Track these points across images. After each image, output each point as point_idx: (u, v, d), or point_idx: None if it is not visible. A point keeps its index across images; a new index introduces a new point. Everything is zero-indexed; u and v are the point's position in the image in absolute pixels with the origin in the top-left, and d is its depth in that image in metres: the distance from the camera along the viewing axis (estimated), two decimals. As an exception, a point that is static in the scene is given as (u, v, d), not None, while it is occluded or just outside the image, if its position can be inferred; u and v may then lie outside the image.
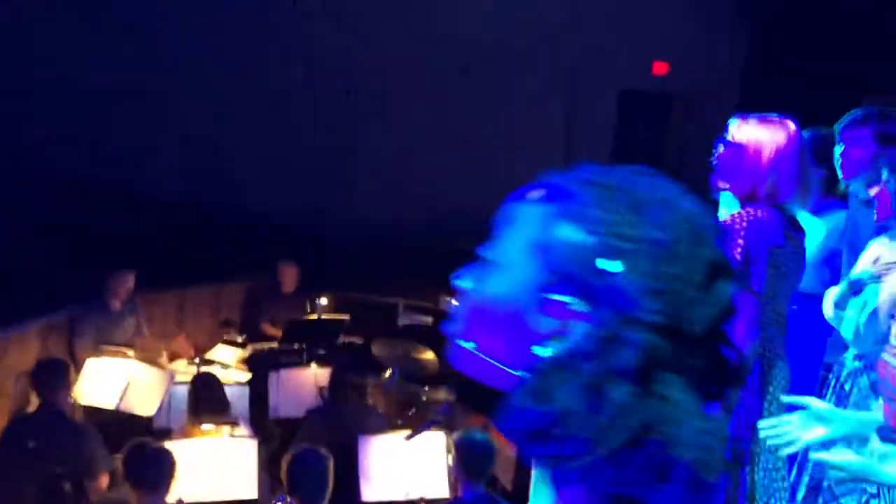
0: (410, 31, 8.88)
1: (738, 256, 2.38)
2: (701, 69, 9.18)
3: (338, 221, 8.53)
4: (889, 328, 2.13)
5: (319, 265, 7.25)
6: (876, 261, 2.65)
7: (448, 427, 4.33)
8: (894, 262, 2.57)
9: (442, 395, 5.43)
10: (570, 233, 0.76)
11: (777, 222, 2.45)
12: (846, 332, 2.66)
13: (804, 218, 2.85)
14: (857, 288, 2.64)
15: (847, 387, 2.68)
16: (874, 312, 2.55)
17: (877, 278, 2.59)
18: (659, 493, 0.66)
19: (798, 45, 7.73)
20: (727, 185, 2.58)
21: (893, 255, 2.61)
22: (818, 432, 1.94)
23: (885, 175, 2.85)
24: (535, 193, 0.81)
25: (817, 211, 3.34)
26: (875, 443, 1.84)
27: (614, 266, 0.73)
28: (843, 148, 3.03)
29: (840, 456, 1.82)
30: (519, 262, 0.79)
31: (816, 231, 3.19)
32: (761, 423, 2.10)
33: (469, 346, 0.79)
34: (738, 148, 2.54)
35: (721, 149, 2.60)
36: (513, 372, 0.76)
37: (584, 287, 0.74)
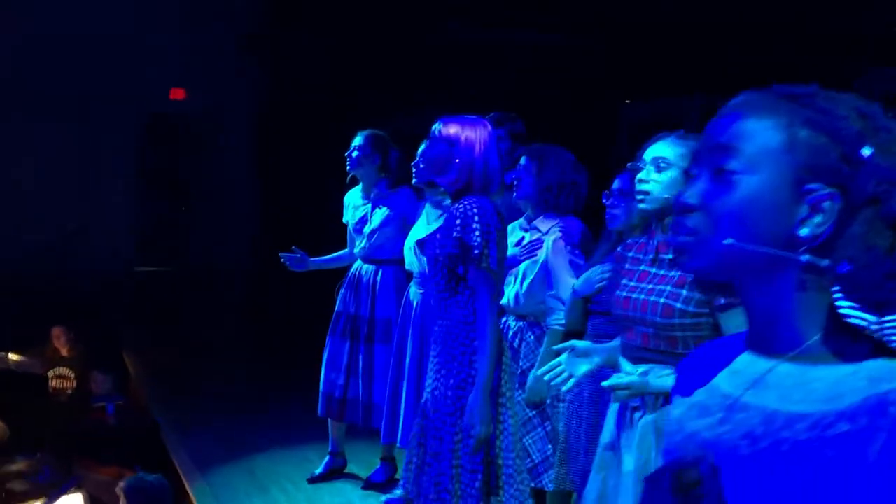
0: None
1: (478, 239, 2.52)
2: (217, 93, 9.75)
3: None
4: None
5: None
6: (519, 242, 3.17)
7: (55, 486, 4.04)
8: (535, 242, 3.14)
9: (22, 464, 4.68)
10: (819, 125, 0.88)
11: (493, 209, 2.60)
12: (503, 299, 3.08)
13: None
14: (511, 264, 3.03)
15: (516, 344, 3.16)
16: (534, 282, 3.11)
17: (528, 255, 3.13)
18: None
19: (305, 70, 8.74)
20: (440, 180, 2.70)
21: (533, 236, 3.16)
22: (584, 366, 2.24)
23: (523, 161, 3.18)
24: (769, 106, 0.90)
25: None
26: (625, 365, 2.13)
27: (865, 150, 0.86)
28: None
29: (621, 380, 2.10)
30: (769, 164, 0.88)
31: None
32: (540, 371, 2.35)
33: (727, 242, 0.89)
34: (450, 144, 2.64)
35: (429, 147, 2.70)
36: (779, 252, 0.88)
37: (837, 172, 0.86)
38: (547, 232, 3.15)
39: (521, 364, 3.16)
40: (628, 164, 2.31)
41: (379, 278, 4.02)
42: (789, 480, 0.85)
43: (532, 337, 3.19)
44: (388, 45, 7.60)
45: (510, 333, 3.19)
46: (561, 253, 3.07)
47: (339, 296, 4.14)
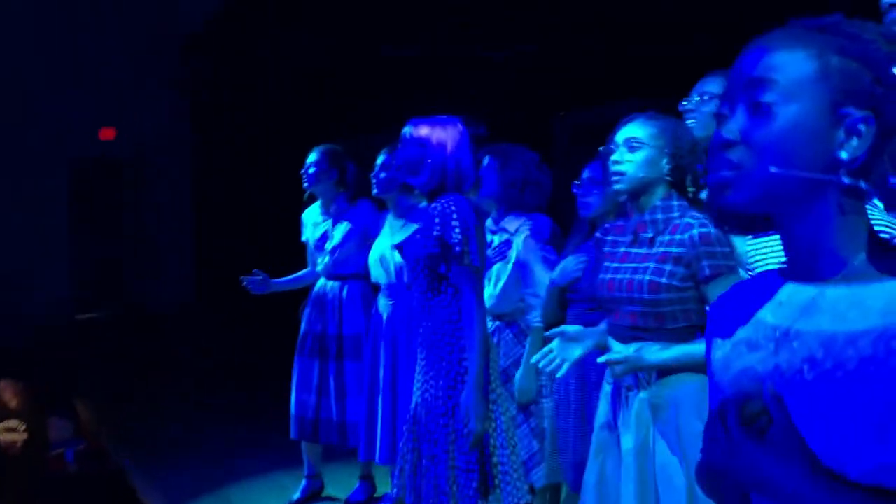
0: None
1: (458, 237, 2.54)
2: (147, 131, 9.60)
3: None
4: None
5: None
6: (489, 245, 3.15)
7: None
8: (505, 243, 3.20)
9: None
10: (850, 52, 0.91)
11: (470, 206, 2.62)
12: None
13: None
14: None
15: (495, 342, 3.12)
16: (507, 282, 3.14)
17: (500, 258, 3.17)
18: None
19: (238, 104, 8.70)
20: (414, 182, 2.71)
21: (502, 237, 3.21)
22: (577, 350, 2.24)
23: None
24: (799, 38, 0.93)
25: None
26: (616, 346, 2.15)
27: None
28: None
29: (616, 356, 2.11)
30: (806, 94, 0.91)
31: None
32: (533, 359, 2.33)
33: (773, 169, 0.91)
34: (423, 146, 2.66)
35: (402, 149, 2.71)
36: (822, 176, 0.91)
37: (870, 96, 0.90)
38: (516, 231, 3.18)
39: (501, 362, 3.16)
40: (600, 148, 2.35)
41: (345, 294, 3.99)
42: (859, 397, 0.87)
43: (510, 334, 3.20)
44: (319, 75, 7.60)
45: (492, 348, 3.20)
46: (533, 250, 3.09)
47: (304, 315, 4.09)
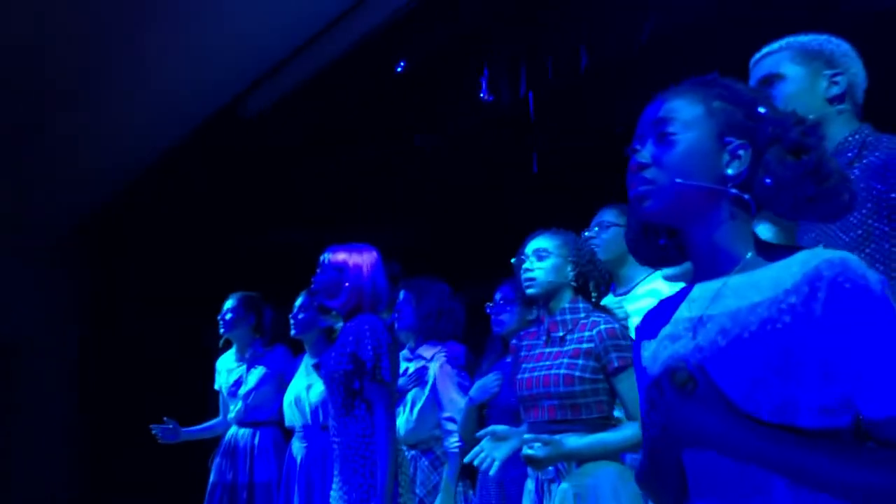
0: None
1: (370, 353, 2.68)
2: (32, 316, 9.31)
3: None
4: None
5: None
6: (404, 373, 3.32)
7: None
8: (421, 369, 3.31)
9: None
10: (726, 98, 1.20)
11: (384, 326, 2.77)
12: None
13: None
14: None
15: (411, 472, 3.21)
16: (423, 408, 3.23)
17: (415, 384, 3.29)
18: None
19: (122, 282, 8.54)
20: (332, 304, 2.86)
21: (418, 364, 3.34)
22: (505, 448, 2.32)
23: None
24: (688, 90, 1.23)
25: None
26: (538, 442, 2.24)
27: (761, 109, 1.19)
28: None
29: (537, 451, 2.20)
30: (697, 126, 1.19)
31: None
32: (468, 457, 2.40)
33: (678, 180, 1.17)
34: (340, 270, 2.85)
35: (320, 274, 2.87)
36: (715, 186, 1.17)
37: (745, 128, 1.18)
38: (431, 358, 3.32)
39: (417, 492, 3.18)
40: (512, 259, 2.59)
41: (257, 441, 3.95)
42: (762, 350, 1.09)
43: (426, 462, 3.25)
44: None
45: (404, 463, 3.23)
46: (449, 376, 3.22)
47: (214, 465, 4.00)
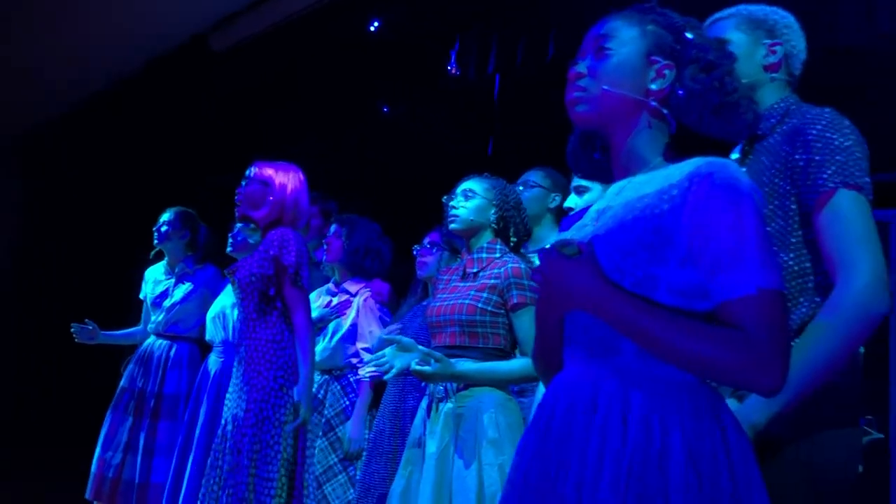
0: None
1: (292, 259, 2.80)
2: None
3: None
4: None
5: None
6: (328, 305, 3.44)
7: None
8: (345, 302, 3.41)
9: None
10: (660, 23, 1.37)
11: (303, 241, 2.89)
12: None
13: None
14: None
15: (321, 395, 3.34)
16: (343, 337, 3.33)
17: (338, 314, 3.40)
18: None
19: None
20: (254, 215, 2.94)
21: (342, 298, 3.44)
22: (406, 358, 2.42)
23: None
24: (629, 14, 1.40)
25: None
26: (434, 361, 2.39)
27: (689, 34, 1.35)
28: None
29: (425, 368, 2.34)
30: (631, 44, 1.35)
31: None
32: (368, 358, 2.56)
33: (606, 87, 1.33)
34: (266, 184, 2.95)
35: (246, 186, 2.95)
36: (637, 97, 1.34)
37: (672, 51, 1.34)
38: (356, 293, 3.43)
39: (325, 413, 3.29)
40: (443, 197, 2.73)
41: (172, 353, 4.03)
42: (638, 227, 1.25)
43: (338, 387, 3.35)
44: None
45: (314, 386, 3.32)
46: (371, 309, 3.34)
47: (126, 371, 4.06)
